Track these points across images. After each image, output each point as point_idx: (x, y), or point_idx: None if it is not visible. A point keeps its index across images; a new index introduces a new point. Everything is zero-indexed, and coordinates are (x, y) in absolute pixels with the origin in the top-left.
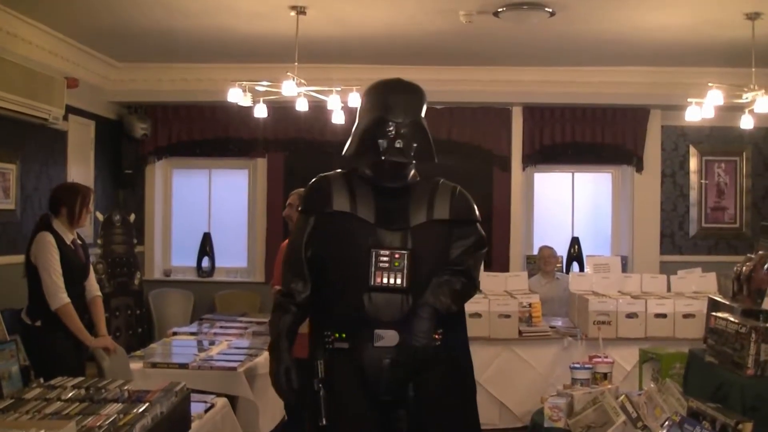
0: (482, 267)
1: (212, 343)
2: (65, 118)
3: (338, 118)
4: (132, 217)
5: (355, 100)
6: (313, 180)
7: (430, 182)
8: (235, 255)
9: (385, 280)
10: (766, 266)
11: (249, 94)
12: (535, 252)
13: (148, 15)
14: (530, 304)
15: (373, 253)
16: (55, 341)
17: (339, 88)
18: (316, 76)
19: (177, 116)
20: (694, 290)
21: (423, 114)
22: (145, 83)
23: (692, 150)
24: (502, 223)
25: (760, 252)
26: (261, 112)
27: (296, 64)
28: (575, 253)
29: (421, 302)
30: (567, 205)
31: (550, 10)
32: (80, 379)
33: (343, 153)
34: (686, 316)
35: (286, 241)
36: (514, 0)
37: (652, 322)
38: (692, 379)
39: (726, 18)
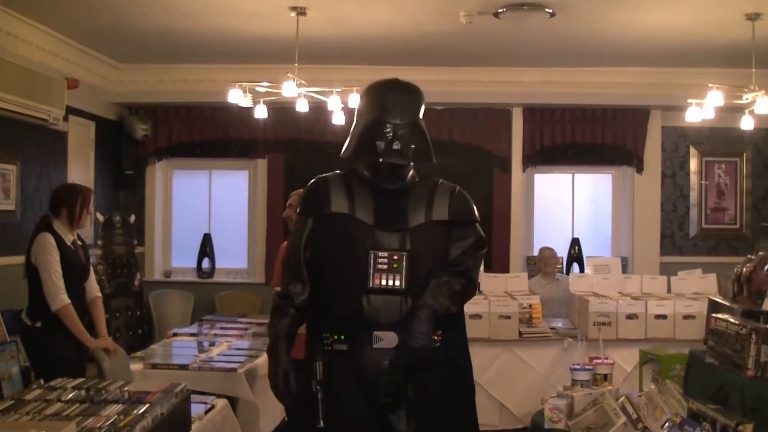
0: (482, 268)
1: (212, 344)
2: (65, 118)
3: (338, 119)
4: (132, 218)
5: (355, 100)
6: (312, 181)
7: (429, 183)
8: (235, 256)
9: (383, 282)
10: (766, 267)
11: (249, 95)
12: (536, 253)
13: (149, 16)
14: (530, 305)
15: (372, 255)
16: (55, 342)
17: (339, 89)
18: (316, 77)
19: (177, 117)
20: (695, 291)
21: (421, 115)
22: (145, 84)
23: (692, 151)
24: (503, 223)
25: (761, 253)
26: (261, 112)
27: (296, 64)
28: (575, 254)
29: (420, 304)
30: (567, 206)
31: (551, 11)
32: (80, 380)
33: (341, 154)
34: (686, 317)
35: (286, 242)
36: (515, 1)
37: (652, 323)
38: (692, 381)
39: (726, 18)
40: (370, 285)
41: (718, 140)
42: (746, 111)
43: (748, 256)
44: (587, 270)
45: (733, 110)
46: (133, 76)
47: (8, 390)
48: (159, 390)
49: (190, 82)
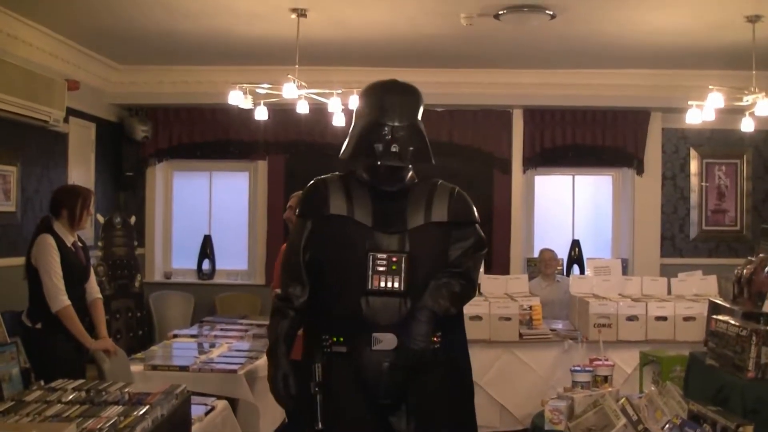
0: (482, 269)
1: (213, 346)
2: (66, 120)
3: (339, 121)
4: (132, 219)
5: (356, 102)
6: (310, 183)
7: (429, 184)
8: (235, 257)
9: (382, 284)
10: (766, 269)
11: (250, 97)
12: (536, 255)
13: (149, 17)
14: (531, 307)
15: (370, 257)
16: (55, 343)
17: (339, 91)
18: (316, 79)
19: (178, 118)
20: (695, 293)
21: (420, 116)
22: (145, 85)
23: (693, 153)
24: (503, 225)
25: (761, 255)
26: (261, 114)
27: (297, 66)
28: (576, 256)
29: (420, 305)
30: (567, 208)
31: (551, 13)
32: (81, 381)
33: (340, 155)
34: (687, 318)
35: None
36: (515, 2)
37: (652, 324)
38: (693, 382)
39: (726, 20)
40: (369, 287)
41: (719, 142)
42: (746, 113)
43: (749, 257)
44: (587, 272)
45: (734, 112)
46: (133, 78)
47: (8, 391)
48: (159, 391)
49: (190, 83)
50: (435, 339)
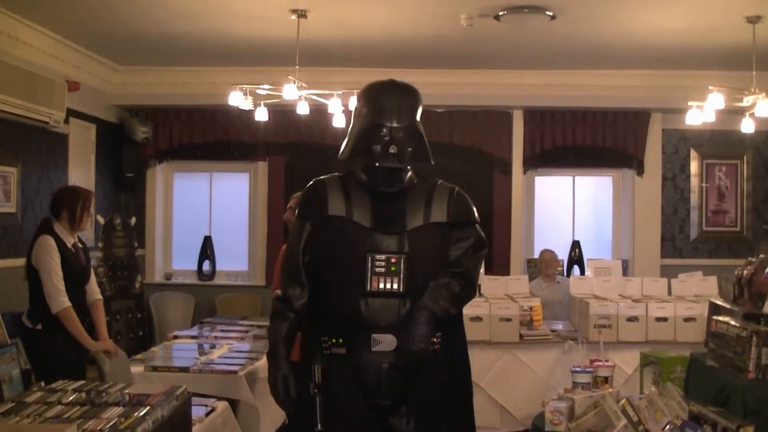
0: (482, 269)
1: (213, 347)
2: (66, 121)
3: (339, 122)
4: (133, 220)
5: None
6: (309, 184)
7: (428, 184)
8: (235, 258)
9: (381, 285)
10: (767, 270)
11: (250, 98)
12: (536, 255)
13: (149, 18)
14: (531, 308)
15: (369, 258)
16: (55, 345)
17: (340, 92)
18: (316, 80)
19: (178, 119)
20: (695, 294)
21: (418, 116)
22: (146, 86)
23: (693, 153)
24: (503, 226)
25: (761, 255)
26: (262, 115)
27: (297, 67)
28: (576, 257)
29: (419, 306)
30: (568, 209)
31: (551, 14)
32: (81, 382)
33: (339, 156)
34: (687, 319)
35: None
36: (515, 3)
37: (652, 325)
38: (693, 383)
39: (726, 21)
40: (368, 288)
41: (719, 143)
42: (747, 114)
43: (749, 258)
44: (588, 272)
45: (734, 113)
46: (133, 79)
47: (9, 392)
48: (159, 392)
49: (190, 84)
50: (435, 340)
